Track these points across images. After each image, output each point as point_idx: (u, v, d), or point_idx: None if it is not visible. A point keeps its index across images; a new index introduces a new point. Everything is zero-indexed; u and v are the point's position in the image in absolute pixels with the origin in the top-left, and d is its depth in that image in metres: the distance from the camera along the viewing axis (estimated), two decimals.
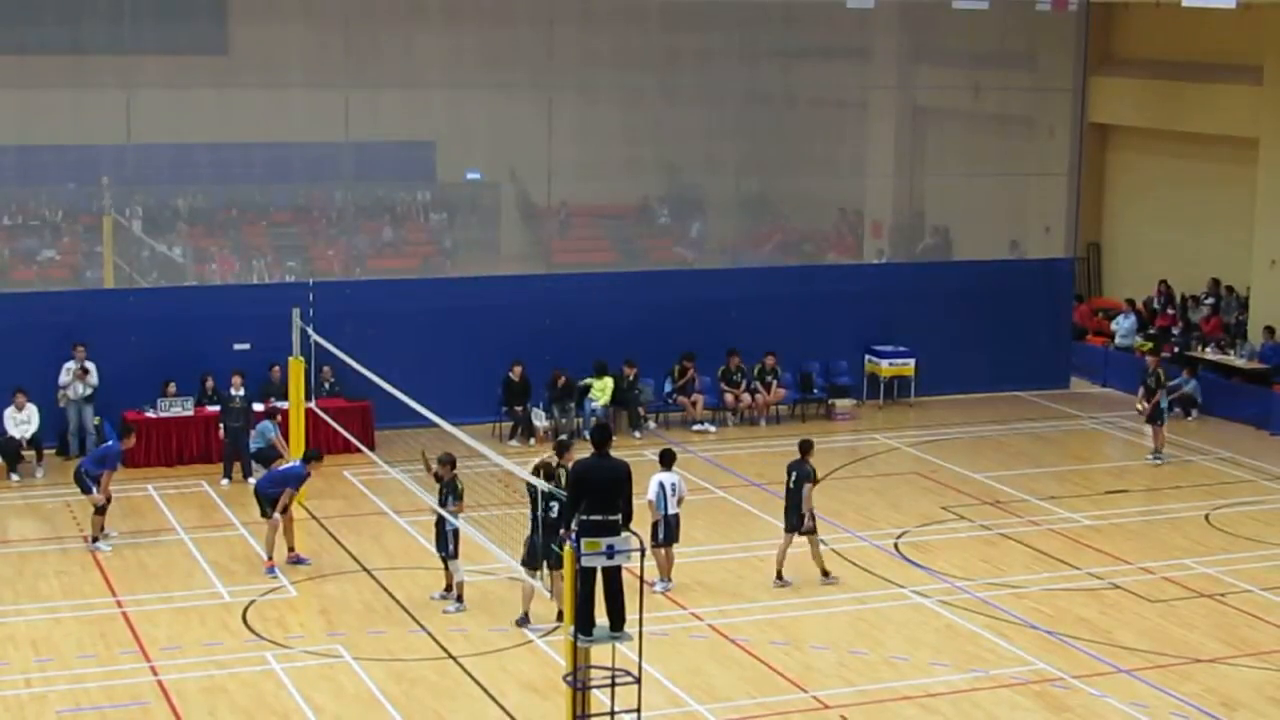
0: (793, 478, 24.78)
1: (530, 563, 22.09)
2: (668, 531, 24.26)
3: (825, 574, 24.92)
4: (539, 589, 22.03)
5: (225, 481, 29.99)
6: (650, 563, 21.70)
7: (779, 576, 24.85)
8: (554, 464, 22.76)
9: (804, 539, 24.81)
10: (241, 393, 30.44)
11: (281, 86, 36.67)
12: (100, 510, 26.29)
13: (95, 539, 26.27)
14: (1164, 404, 31.97)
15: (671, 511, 24.19)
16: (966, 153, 40.85)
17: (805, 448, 24.99)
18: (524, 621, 22.89)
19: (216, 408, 30.98)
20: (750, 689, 21.07)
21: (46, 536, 27.15)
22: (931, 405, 36.25)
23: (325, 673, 21.30)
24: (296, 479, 25.31)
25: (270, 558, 25.22)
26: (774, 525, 27.32)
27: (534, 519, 22.19)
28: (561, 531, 18.11)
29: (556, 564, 20.90)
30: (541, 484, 20.81)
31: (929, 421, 35.16)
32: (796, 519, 24.70)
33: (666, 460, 24.47)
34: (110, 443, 27.29)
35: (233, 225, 38.74)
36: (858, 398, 36.31)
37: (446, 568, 23.79)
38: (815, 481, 24.93)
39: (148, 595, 24.13)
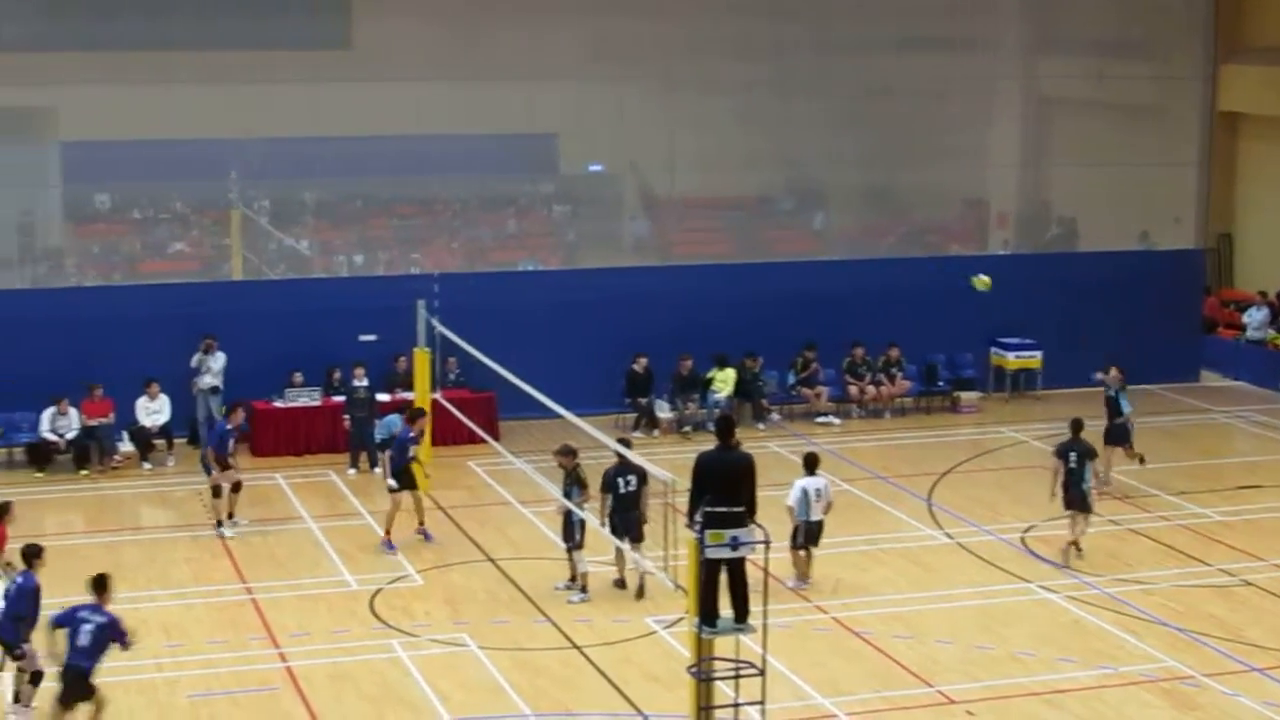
0: (1072, 458, 25.18)
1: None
2: (808, 536, 24.17)
3: (1078, 550, 25.24)
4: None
5: (352, 471, 30.26)
6: (780, 557, 21.66)
7: (1077, 552, 25.22)
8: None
9: (1076, 515, 25.16)
10: (365, 383, 30.71)
11: (405, 80, 36.93)
12: (217, 493, 26.64)
13: (219, 523, 26.63)
14: None
15: (815, 518, 24.08)
16: (1093, 142, 40.43)
17: (1077, 426, 25.63)
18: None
19: (342, 398, 31.26)
20: (874, 682, 20.99)
21: (177, 524, 27.52)
22: (1058, 398, 35.87)
23: (451, 661, 21.45)
24: (406, 441, 26.00)
25: (388, 532, 25.49)
26: (897, 518, 27.30)
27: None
28: (685, 523, 18.10)
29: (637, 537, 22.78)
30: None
31: (1055, 415, 34.70)
32: (1079, 497, 25.04)
33: (810, 464, 24.37)
34: (219, 422, 27.71)
35: (358, 218, 39.07)
36: (983, 390, 36.07)
37: (570, 558, 23.89)
38: (1094, 457, 25.59)
39: (276, 582, 24.41)
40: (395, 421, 29.02)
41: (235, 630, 22.47)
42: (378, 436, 29.57)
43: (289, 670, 21.14)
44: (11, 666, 19.36)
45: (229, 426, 27.06)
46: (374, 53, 37.38)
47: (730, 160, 39.17)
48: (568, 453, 23.82)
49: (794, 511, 23.88)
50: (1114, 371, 29.66)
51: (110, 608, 18.70)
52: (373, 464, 29.82)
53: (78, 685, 18.31)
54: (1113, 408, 29.31)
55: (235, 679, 20.86)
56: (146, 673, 20.89)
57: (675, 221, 40.01)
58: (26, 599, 18.89)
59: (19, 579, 19.06)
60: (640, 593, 23.53)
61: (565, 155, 40.39)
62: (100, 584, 18.76)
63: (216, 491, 26.70)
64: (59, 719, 18.48)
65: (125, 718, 19.54)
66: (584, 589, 23.71)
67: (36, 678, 18.93)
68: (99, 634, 18.35)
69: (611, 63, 38.15)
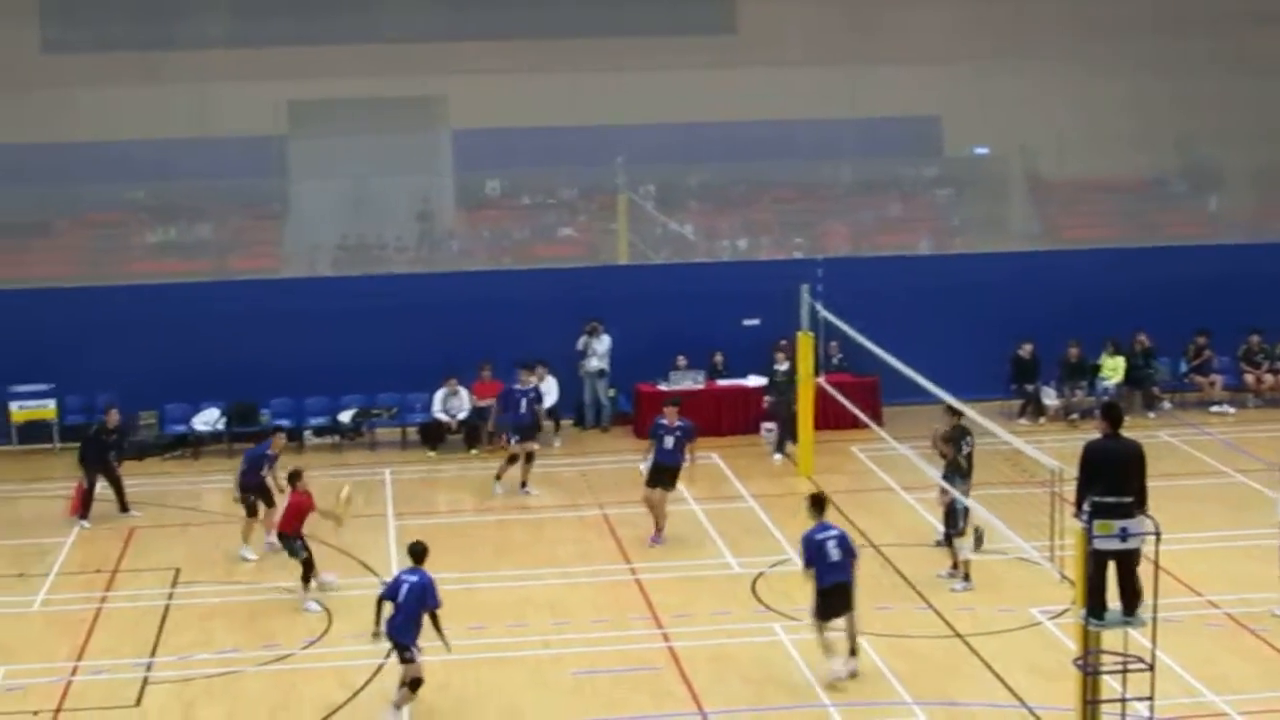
0: None
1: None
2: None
3: None
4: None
5: (778, 458, 30.37)
6: (1171, 550, 21.11)
7: None
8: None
9: None
10: (785, 366, 30.77)
11: (788, 64, 37.06)
12: (252, 512, 25.37)
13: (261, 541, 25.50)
14: None
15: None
16: None
17: None
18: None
19: (726, 382, 31.52)
20: (1270, 682, 20.24)
21: (563, 504, 28.08)
22: None
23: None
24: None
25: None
26: None
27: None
28: (1073, 513, 17.76)
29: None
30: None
31: None
32: None
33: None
34: (260, 445, 26.37)
35: (741, 202, 39.31)
36: None
37: (951, 546, 23.64)
38: None
39: (659, 563, 24.70)
40: None
41: (619, 609, 22.81)
42: None
43: (671, 650, 21.37)
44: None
45: (269, 452, 25.51)
46: (759, 37, 37.62)
47: (1120, 142, 38.36)
48: (949, 440, 23.56)
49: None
50: None
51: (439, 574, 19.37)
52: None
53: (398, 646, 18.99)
54: None
55: (618, 657, 21.17)
56: (532, 649, 21.37)
57: (1063, 205, 39.27)
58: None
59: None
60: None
61: (950, 138, 40.00)
62: (417, 551, 19.43)
63: (252, 510, 25.40)
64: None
65: (509, 693, 20.04)
66: (966, 577, 23.45)
67: (416, 684, 19.31)
68: (413, 595, 18.91)
69: (999, 44, 37.69)
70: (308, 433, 32.11)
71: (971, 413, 23.31)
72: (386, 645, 19.34)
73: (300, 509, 23.05)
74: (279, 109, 36.68)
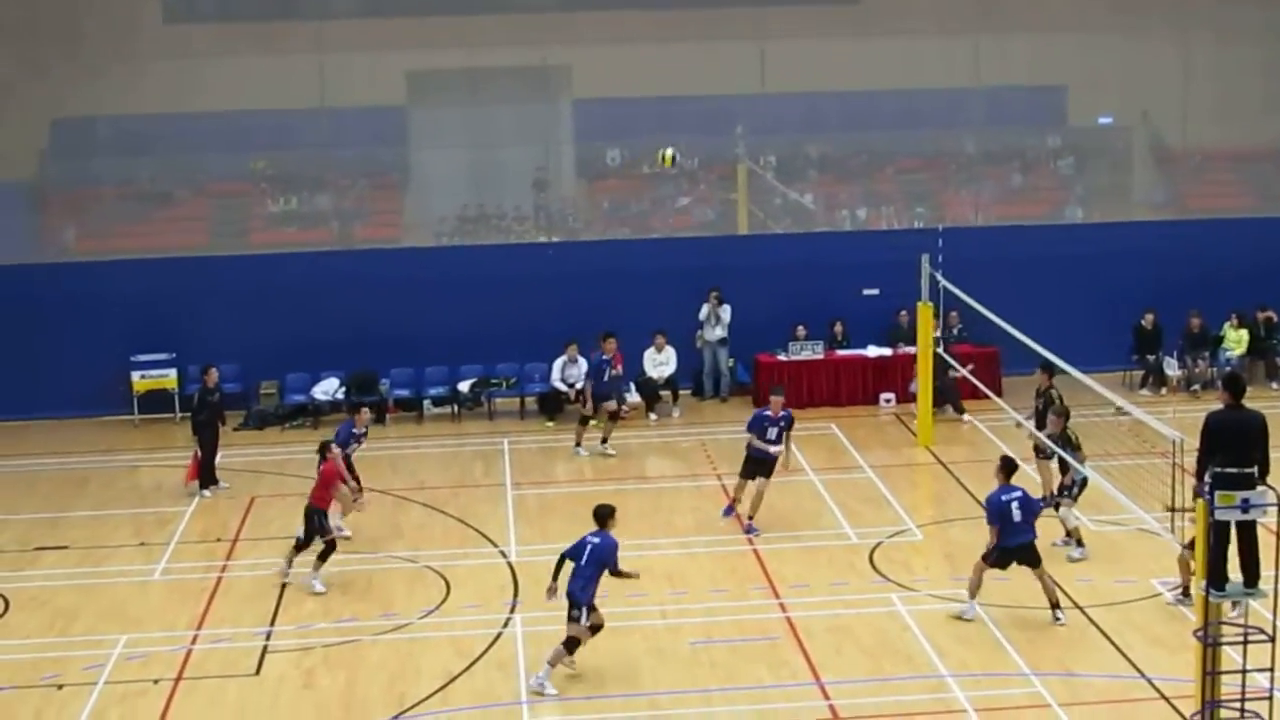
0: None
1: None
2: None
3: None
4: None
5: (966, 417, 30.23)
6: None
7: None
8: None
9: None
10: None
11: (912, 33, 36.79)
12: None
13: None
14: None
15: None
16: None
17: None
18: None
19: (846, 351, 31.45)
20: None
21: (681, 474, 28.14)
22: None
23: (949, 617, 21.32)
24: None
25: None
26: None
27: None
28: (1195, 484, 17.59)
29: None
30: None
31: None
32: None
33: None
34: (345, 422, 25.97)
35: (861, 172, 39.12)
36: None
37: (1059, 514, 23.46)
38: None
39: (777, 534, 24.66)
40: None
41: (736, 580, 22.83)
42: None
43: (789, 620, 21.37)
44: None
45: (356, 430, 25.31)
46: (882, 6, 37.37)
47: (1248, 110, 37.77)
48: (1060, 414, 23.47)
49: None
50: None
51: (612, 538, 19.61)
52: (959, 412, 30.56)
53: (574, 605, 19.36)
54: None
55: (736, 627, 21.20)
56: (650, 619, 21.44)
57: (1189, 174, 38.78)
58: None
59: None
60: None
61: (1074, 107, 39.58)
62: (603, 514, 19.69)
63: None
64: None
65: (627, 661, 20.13)
66: (1080, 543, 23.27)
67: (573, 645, 19.50)
68: (595, 557, 19.30)
69: (1124, 12, 37.19)
70: (426, 403, 32.31)
71: (1092, 383, 23.09)
72: (561, 603, 19.53)
73: (330, 479, 23.02)
74: (398, 79, 36.83)
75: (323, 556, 22.75)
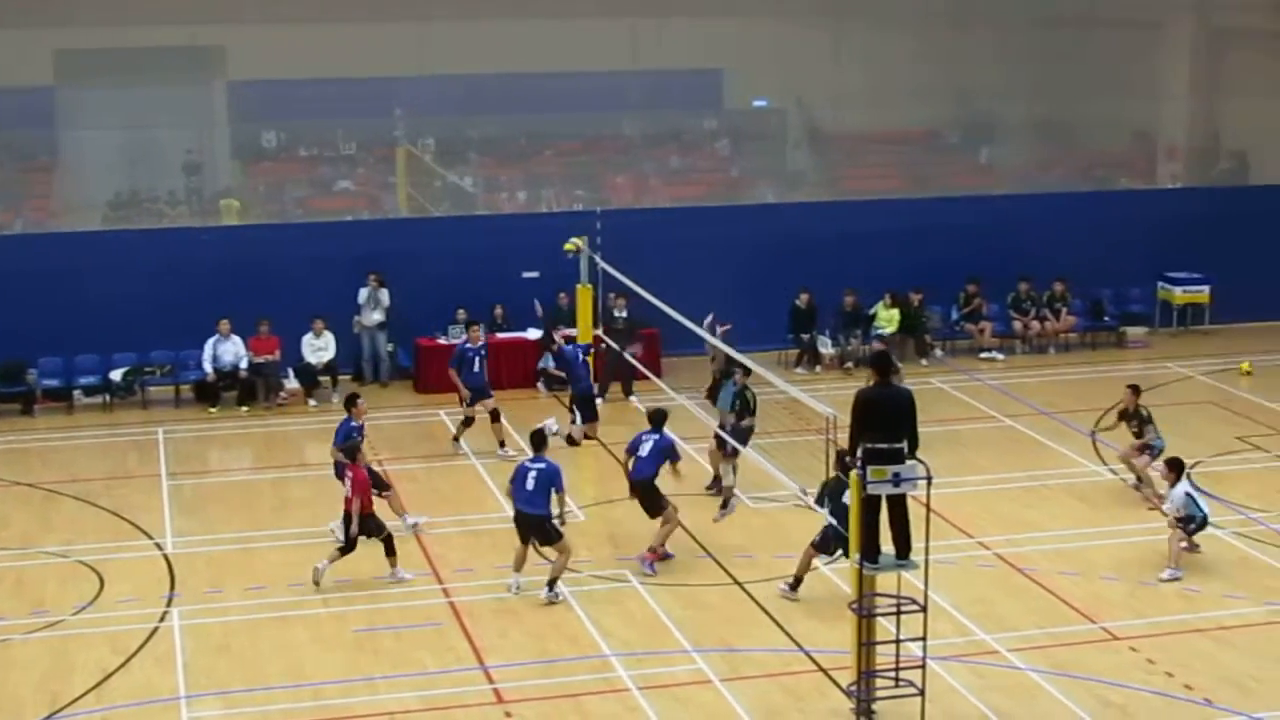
0: None
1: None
2: None
3: None
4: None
5: (599, 401, 29.47)
6: (941, 493, 21.45)
7: None
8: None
9: None
10: (625, 314, 31.16)
11: (572, 15, 36.89)
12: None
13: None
14: None
15: None
16: (1268, 75, 39.35)
17: None
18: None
19: (507, 335, 31.42)
20: (1038, 619, 20.75)
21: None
22: (1227, 333, 35.25)
23: (613, 597, 21.50)
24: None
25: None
26: (1062, 454, 26.96)
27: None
28: (847, 459, 18.01)
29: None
30: None
31: (1224, 350, 34.17)
32: None
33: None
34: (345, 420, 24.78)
35: (522, 155, 39.15)
36: (1150, 326, 35.48)
37: (719, 471, 24.51)
38: None
39: (441, 519, 24.55)
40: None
41: (401, 565, 22.60)
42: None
43: (453, 605, 21.30)
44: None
45: (354, 423, 24.20)
46: None
47: (898, 94, 38.76)
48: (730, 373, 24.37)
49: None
50: None
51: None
52: (626, 393, 30.71)
53: (528, 526, 21.41)
54: None
55: (400, 614, 21.06)
56: (313, 608, 21.19)
57: (842, 156, 39.66)
58: (673, 450, 22.64)
59: (655, 436, 22.47)
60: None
61: (730, 90, 40.17)
62: (539, 439, 21.68)
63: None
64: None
65: (290, 650, 19.87)
66: (726, 504, 23.62)
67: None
68: (540, 480, 21.24)
69: None
70: (77, 392, 31.32)
71: (749, 362, 23.49)
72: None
73: (366, 483, 22.26)
74: (46, 58, 35.65)
75: (390, 551, 22.18)
